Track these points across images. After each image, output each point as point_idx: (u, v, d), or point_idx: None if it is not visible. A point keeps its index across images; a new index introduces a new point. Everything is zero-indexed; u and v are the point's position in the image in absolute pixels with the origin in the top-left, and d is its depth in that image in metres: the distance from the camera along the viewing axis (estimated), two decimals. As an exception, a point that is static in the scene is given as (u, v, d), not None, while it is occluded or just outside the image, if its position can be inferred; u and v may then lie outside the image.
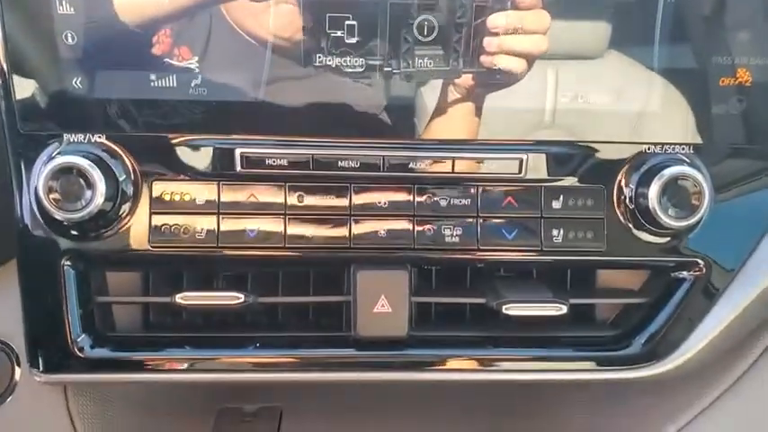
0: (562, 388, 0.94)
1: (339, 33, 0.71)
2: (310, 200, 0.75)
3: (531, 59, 0.73)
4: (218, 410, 0.95)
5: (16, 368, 0.80)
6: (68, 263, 0.74)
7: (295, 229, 0.75)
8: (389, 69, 0.73)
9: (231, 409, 0.95)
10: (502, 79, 0.73)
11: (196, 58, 0.72)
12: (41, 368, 0.75)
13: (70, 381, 0.77)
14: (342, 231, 0.76)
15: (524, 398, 0.95)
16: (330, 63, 0.72)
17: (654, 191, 0.75)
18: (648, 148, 0.78)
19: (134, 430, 0.88)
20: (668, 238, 0.79)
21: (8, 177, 0.73)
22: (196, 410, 0.94)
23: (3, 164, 0.74)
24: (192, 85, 0.73)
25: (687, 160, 0.77)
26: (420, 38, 0.72)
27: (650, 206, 0.75)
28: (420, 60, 0.73)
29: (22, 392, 0.79)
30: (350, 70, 0.72)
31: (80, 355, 0.75)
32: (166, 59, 0.72)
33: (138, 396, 0.91)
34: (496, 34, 0.72)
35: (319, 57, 0.72)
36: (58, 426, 0.79)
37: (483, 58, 0.73)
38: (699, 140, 0.77)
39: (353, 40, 0.71)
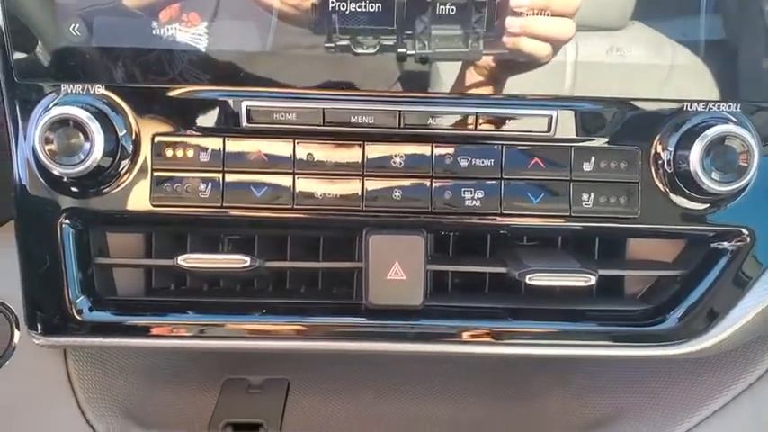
0: (579, 365, 0.89)
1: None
2: (320, 158, 0.70)
3: (558, 44, 0.67)
4: (224, 381, 0.91)
5: (16, 331, 0.78)
6: (67, 221, 0.71)
7: (304, 188, 0.70)
8: (404, 51, 0.68)
9: (237, 380, 0.92)
10: (525, 60, 0.68)
11: (203, 4, 0.67)
12: (40, 331, 0.72)
13: (69, 344, 0.73)
14: (354, 192, 0.71)
15: (536, 374, 0.89)
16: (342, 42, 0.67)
17: (696, 152, 0.68)
18: (690, 106, 0.71)
19: (137, 399, 0.84)
20: (708, 205, 0.72)
21: (5, 134, 0.70)
22: (201, 381, 0.90)
23: None
24: (197, 33, 0.68)
25: (733, 119, 0.70)
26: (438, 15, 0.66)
27: (691, 169, 0.68)
28: (436, 39, 0.68)
29: (21, 355, 0.76)
30: (362, 51, 0.68)
31: (78, 317, 0.71)
32: (170, 5, 0.67)
33: (142, 364, 0.88)
34: (521, 14, 0.66)
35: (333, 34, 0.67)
36: (57, 390, 0.76)
37: (505, 38, 0.67)
38: (746, 97, 0.70)
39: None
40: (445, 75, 0.70)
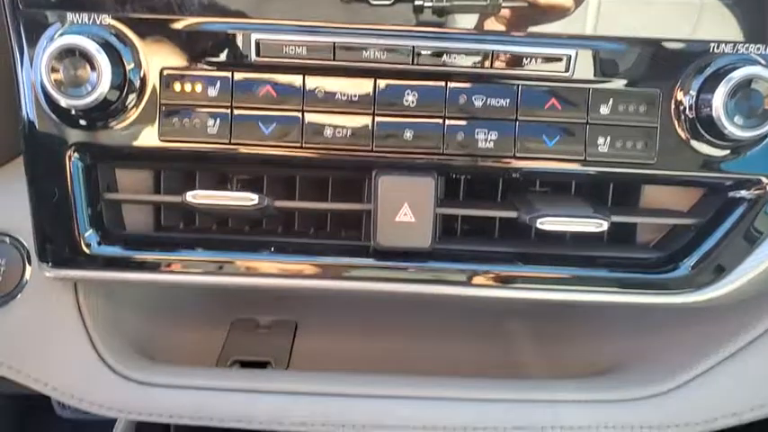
0: (591, 312, 0.89)
1: None
2: (330, 94, 0.69)
3: None
4: (233, 322, 0.92)
5: (27, 265, 0.78)
6: (76, 155, 0.70)
7: (313, 125, 0.69)
8: (420, 3, 0.66)
9: (245, 320, 0.93)
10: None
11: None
12: (50, 263, 0.72)
13: (79, 278, 0.74)
14: (364, 131, 0.69)
15: (550, 319, 0.89)
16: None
17: (720, 96, 0.66)
18: (716, 47, 0.68)
19: (146, 335, 0.86)
20: (728, 152, 0.70)
21: (11, 66, 0.69)
22: (209, 320, 0.91)
23: (5, 52, 0.70)
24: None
25: (762, 61, 0.67)
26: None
27: (714, 114, 0.66)
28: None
29: (32, 289, 0.77)
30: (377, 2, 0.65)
31: (88, 251, 0.72)
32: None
33: (151, 303, 0.89)
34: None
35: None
36: (68, 324, 0.77)
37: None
38: (776, 39, 0.67)
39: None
40: (462, 15, 0.67)
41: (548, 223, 0.70)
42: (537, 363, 0.85)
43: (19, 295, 0.77)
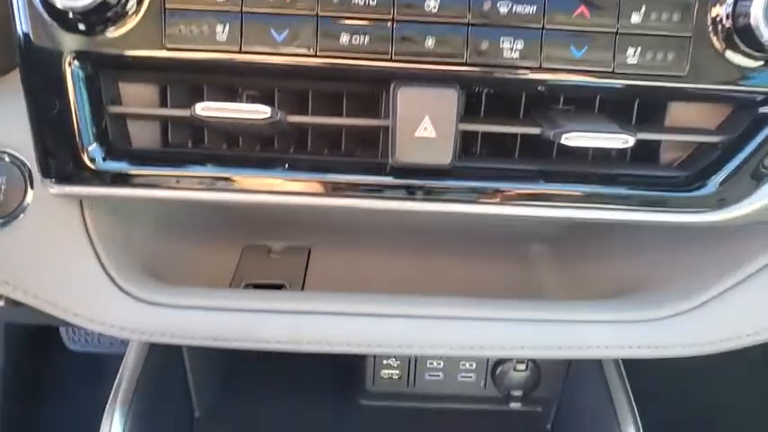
0: (610, 235, 0.87)
1: None
2: (347, -3, 0.64)
3: None
4: (244, 247, 0.90)
5: (29, 185, 0.75)
6: (76, 63, 0.66)
7: (328, 31, 0.65)
8: None
9: (257, 246, 0.91)
10: None
11: None
12: (53, 179, 0.69)
13: (84, 194, 0.71)
14: (382, 39, 0.65)
15: (570, 242, 0.88)
16: None
17: (759, 3, 0.62)
18: None
19: (156, 256, 0.84)
20: (762, 63, 0.67)
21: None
22: (221, 244, 0.89)
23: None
24: None
25: (805, -35, 0.63)
26: None
27: (752, 22, 0.63)
28: None
29: (36, 208, 0.74)
30: None
31: (92, 166, 0.68)
32: None
33: (161, 225, 0.86)
34: None
35: None
36: (75, 245, 0.74)
37: None
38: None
39: None
40: None
41: (573, 139, 0.68)
42: (558, 284, 0.84)
43: (21, 215, 0.74)
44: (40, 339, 1.68)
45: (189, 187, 0.70)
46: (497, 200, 0.72)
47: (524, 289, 0.81)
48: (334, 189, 0.71)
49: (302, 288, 0.86)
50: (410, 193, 0.71)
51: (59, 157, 0.69)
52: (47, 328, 1.69)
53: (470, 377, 1.08)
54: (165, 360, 0.96)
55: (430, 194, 0.71)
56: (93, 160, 0.69)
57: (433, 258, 0.89)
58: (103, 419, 0.83)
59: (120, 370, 0.88)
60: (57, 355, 1.65)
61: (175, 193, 0.70)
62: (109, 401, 0.85)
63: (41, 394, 1.57)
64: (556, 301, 0.81)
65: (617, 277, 0.85)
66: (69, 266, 0.75)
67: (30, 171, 0.75)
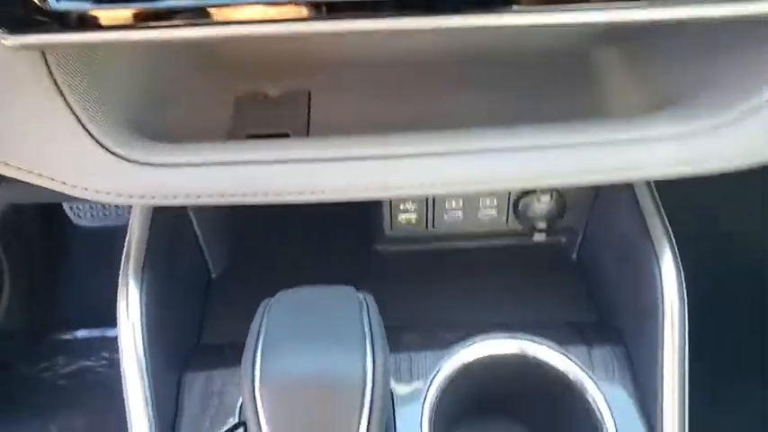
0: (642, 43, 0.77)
1: None
2: None
3: None
4: (237, 96, 0.81)
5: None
6: None
7: None
8: None
9: (251, 93, 0.81)
10: None
11: None
12: (4, 29, 0.59)
13: (42, 43, 0.60)
14: None
15: (592, 55, 0.78)
16: None
17: None
18: None
19: (142, 119, 0.74)
20: None
21: None
22: (211, 99, 0.80)
23: None
24: None
25: None
26: None
27: None
28: None
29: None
30: None
31: (44, 7, 0.58)
32: None
33: (141, 80, 0.77)
34: None
35: None
36: (51, 110, 0.65)
37: None
38: None
39: None
40: None
41: None
42: (582, 103, 0.76)
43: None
44: (47, 221, 1.66)
45: (162, 25, 0.59)
46: (520, 9, 0.60)
47: (555, 116, 0.72)
48: (320, 10, 0.59)
49: (307, 134, 0.78)
50: (413, 5, 0.60)
51: (9, 3, 0.58)
52: (52, 207, 1.66)
53: (492, 213, 1.05)
54: (172, 224, 0.92)
55: (435, 6, 0.59)
56: (44, 1, 0.58)
57: (447, 90, 0.80)
58: (119, 287, 0.80)
59: (127, 238, 0.84)
60: (67, 234, 1.63)
61: (149, 33, 0.59)
62: (121, 268, 0.81)
63: (55, 274, 1.57)
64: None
65: (646, 88, 0.76)
66: (48, 131, 0.67)
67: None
